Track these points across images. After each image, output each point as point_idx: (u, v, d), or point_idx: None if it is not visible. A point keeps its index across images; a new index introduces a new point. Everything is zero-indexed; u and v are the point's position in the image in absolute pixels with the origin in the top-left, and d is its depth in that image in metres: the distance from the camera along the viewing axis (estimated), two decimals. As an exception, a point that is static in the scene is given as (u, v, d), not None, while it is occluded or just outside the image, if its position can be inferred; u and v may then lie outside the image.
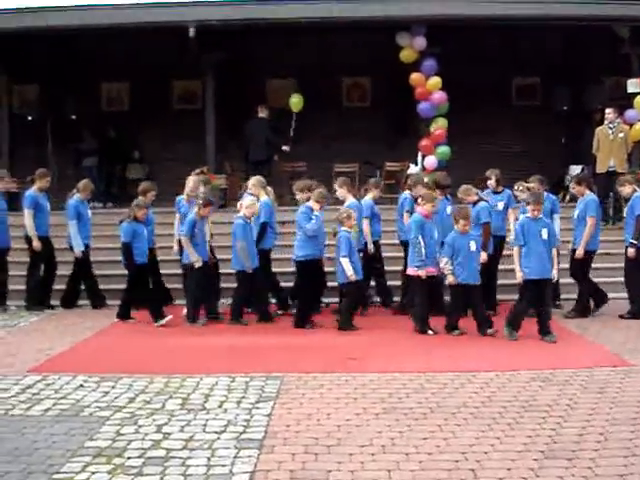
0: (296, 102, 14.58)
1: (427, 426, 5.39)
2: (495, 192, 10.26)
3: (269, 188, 10.27)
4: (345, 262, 8.92)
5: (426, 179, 10.92)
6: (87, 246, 10.59)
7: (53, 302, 10.66)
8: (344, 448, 4.96)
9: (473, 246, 8.63)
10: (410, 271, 8.88)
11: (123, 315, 9.61)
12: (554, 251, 8.45)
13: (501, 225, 10.00)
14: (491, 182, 10.30)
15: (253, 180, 10.26)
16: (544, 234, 8.33)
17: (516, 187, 10.05)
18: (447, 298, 9.13)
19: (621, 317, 9.43)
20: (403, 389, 6.36)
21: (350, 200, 9.86)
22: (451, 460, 4.73)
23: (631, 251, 9.42)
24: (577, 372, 6.87)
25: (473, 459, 4.75)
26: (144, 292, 9.64)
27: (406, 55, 13.94)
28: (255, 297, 9.63)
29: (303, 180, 10.66)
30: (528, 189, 9.68)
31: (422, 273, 8.68)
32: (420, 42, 13.76)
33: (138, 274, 9.51)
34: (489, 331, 8.43)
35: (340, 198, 10.10)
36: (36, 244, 10.39)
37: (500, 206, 10.03)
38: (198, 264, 9.33)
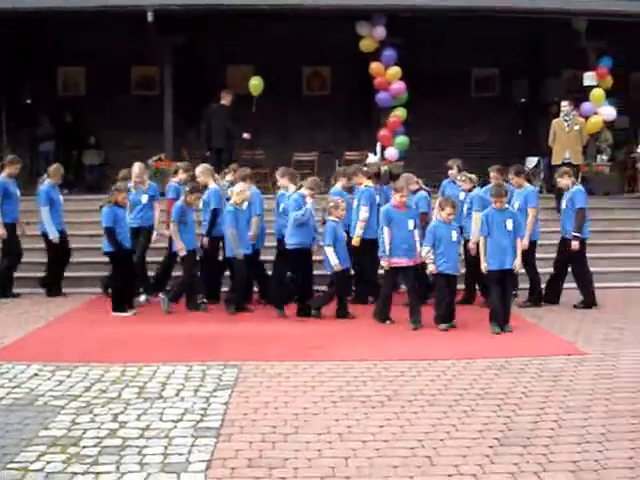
0: (256, 84, 14.39)
1: (384, 414, 5.43)
2: (455, 182, 10.31)
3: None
4: (329, 251, 8.92)
5: (384, 169, 11.00)
6: (61, 232, 10.43)
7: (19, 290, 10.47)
8: (301, 436, 4.97)
9: (454, 236, 8.53)
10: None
11: (119, 308, 9.20)
12: (518, 242, 8.45)
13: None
14: (453, 172, 10.36)
15: (200, 168, 10.15)
16: (509, 225, 8.34)
17: (459, 177, 10.11)
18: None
19: (574, 307, 9.58)
20: (360, 377, 6.39)
21: (291, 190, 9.78)
22: (407, 447, 4.77)
23: (575, 243, 9.54)
24: (532, 360, 6.97)
25: (429, 446, 4.80)
26: (123, 279, 9.38)
27: (366, 45, 13.92)
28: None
29: (286, 167, 10.60)
30: (470, 179, 9.80)
31: (384, 263, 8.68)
32: (380, 32, 13.74)
33: (121, 259, 9.26)
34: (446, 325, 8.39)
35: (281, 188, 10.06)
36: (1, 232, 10.20)
37: (461, 196, 10.06)
38: (182, 252, 9.30)
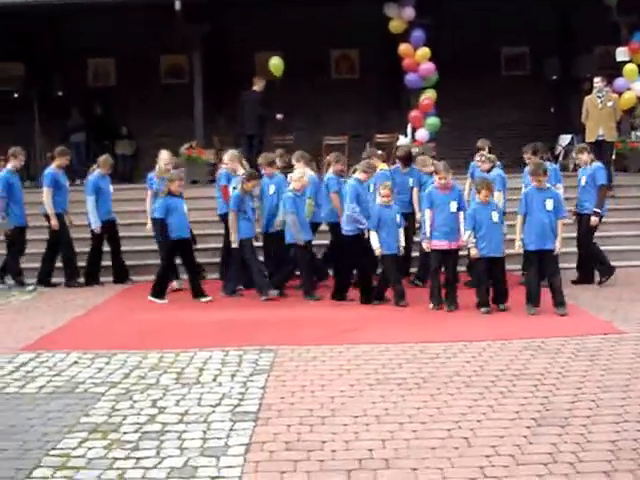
0: (276, 64, 14.23)
1: (420, 396, 5.43)
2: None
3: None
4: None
5: (415, 150, 10.92)
6: (110, 221, 10.58)
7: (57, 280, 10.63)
8: (338, 419, 4.99)
9: (495, 217, 8.31)
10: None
11: (158, 294, 9.25)
12: (559, 223, 8.22)
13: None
14: (484, 152, 10.24)
15: (228, 154, 10.18)
16: (548, 205, 8.17)
17: (477, 157, 9.99)
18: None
19: (599, 284, 9.53)
20: (396, 360, 6.39)
21: (308, 173, 9.71)
22: (444, 429, 4.77)
23: (595, 219, 9.47)
24: (569, 340, 6.92)
25: (466, 427, 4.79)
26: (162, 266, 9.43)
27: (395, 26, 13.84)
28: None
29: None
30: (489, 159, 9.68)
31: (425, 245, 8.62)
32: (409, 12, 13.66)
33: (172, 250, 9.28)
34: (501, 307, 8.31)
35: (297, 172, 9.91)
36: (54, 222, 10.36)
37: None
38: (235, 244, 9.26)
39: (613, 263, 10.02)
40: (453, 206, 8.53)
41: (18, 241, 10.47)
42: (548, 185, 8.48)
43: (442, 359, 6.41)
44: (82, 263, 10.70)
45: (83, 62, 17.06)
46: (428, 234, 8.57)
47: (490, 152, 10.18)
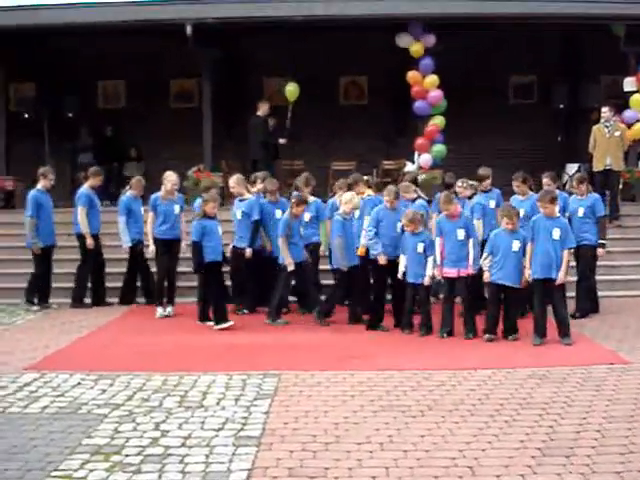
0: (291, 91, 14.44)
1: (424, 423, 5.41)
2: (484, 191, 10.09)
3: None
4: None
5: (422, 177, 10.96)
6: (140, 242, 10.58)
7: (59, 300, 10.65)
8: (342, 445, 4.97)
9: (516, 246, 8.18)
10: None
11: (220, 320, 8.95)
12: (565, 252, 8.15)
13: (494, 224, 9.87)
14: (488, 181, 10.16)
15: (234, 179, 10.21)
16: (555, 234, 8.12)
17: (460, 183, 9.95)
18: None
19: (573, 317, 9.10)
20: (400, 387, 6.38)
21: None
22: (449, 457, 4.75)
23: (602, 251, 9.38)
24: (574, 369, 6.89)
25: (471, 456, 4.76)
26: (212, 291, 9.16)
27: (416, 50, 13.89)
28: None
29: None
30: (471, 186, 9.63)
31: (437, 272, 8.57)
32: (429, 39, 13.75)
33: (208, 272, 9.09)
34: (509, 337, 8.25)
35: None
36: (90, 242, 10.42)
37: (492, 204, 9.94)
38: (291, 267, 9.17)
39: (620, 292, 9.99)
40: (460, 234, 8.51)
41: (44, 260, 10.50)
42: (558, 214, 8.48)
43: (447, 387, 6.38)
44: (109, 283, 10.84)
45: (93, 84, 17.20)
46: (439, 262, 8.56)
47: (492, 182, 10.15)
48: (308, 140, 15.78)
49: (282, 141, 14.33)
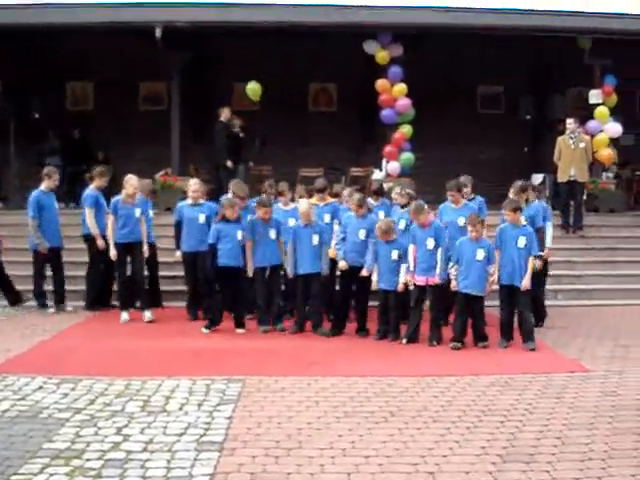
0: (254, 89, 14.29)
1: (387, 429, 5.44)
2: (468, 199, 10.06)
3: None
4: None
5: (387, 185, 11.02)
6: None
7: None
8: (304, 451, 4.98)
9: (480, 255, 8.28)
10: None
11: (214, 322, 9.08)
12: (530, 259, 8.29)
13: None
14: (467, 190, 10.06)
15: (193, 184, 10.16)
16: (520, 242, 8.25)
17: (397, 190, 9.96)
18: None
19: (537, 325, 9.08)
20: (364, 393, 6.40)
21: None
22: (410, 463, 4.77)
23: (539, 263, 9.04)
24: (536, 377, 6.97)
25: (432, 462, 4.80)
26: (224, 294, 9.13)
27: (381, 57, 13.95)
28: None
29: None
30: (408, 194, 9.60)
31: (409, 279, 8.62)
32: (395, 49, 13.84)
33: (219, 277, 9.04)
34: (479, 345, 8.33)
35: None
36: (100, 242, 10.14)
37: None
38: (250, 273, 9.22)
39: (583, 302, 10.10)
40: (430, 243, 8.55)
41: (41, 263, 10.31)
42: (524, 222, 8.57)
43: (411, 393, 6.42)
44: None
45: (62, 85, 17.05)
46: (412, 268, 8.61)
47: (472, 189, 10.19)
48: (277, 146, 15.76)
49: (229, 164, 13.99)
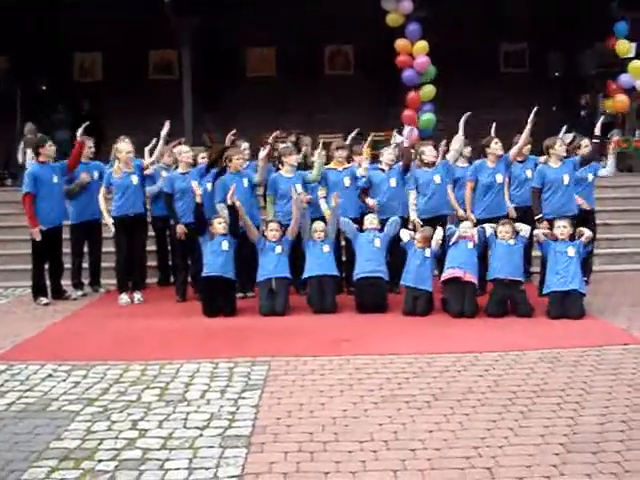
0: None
1: (432, 416, 4.87)
2: (520, 161, 9.55)
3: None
4: None
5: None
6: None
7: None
8: (342, 444, 4.42)
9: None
10: None
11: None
12: None
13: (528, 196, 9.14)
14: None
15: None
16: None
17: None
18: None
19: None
20: (402, 373, 5.83)
21: None
22: (463, 457, 4.21)
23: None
24: (587, 351, 6.39)
25: (487, 455, 4.23)
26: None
27: (392, 19, 13.28)
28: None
29: None
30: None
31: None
32: (406, 5, 13.12)
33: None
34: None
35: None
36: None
37: (529, 174, 9.33)
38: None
39: (621, 267, 9.56)
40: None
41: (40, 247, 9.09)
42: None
43: (452, 372, 5.85)
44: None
45: (69, 56, 16.47)
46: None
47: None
48: (293, 112, 15.14)
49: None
